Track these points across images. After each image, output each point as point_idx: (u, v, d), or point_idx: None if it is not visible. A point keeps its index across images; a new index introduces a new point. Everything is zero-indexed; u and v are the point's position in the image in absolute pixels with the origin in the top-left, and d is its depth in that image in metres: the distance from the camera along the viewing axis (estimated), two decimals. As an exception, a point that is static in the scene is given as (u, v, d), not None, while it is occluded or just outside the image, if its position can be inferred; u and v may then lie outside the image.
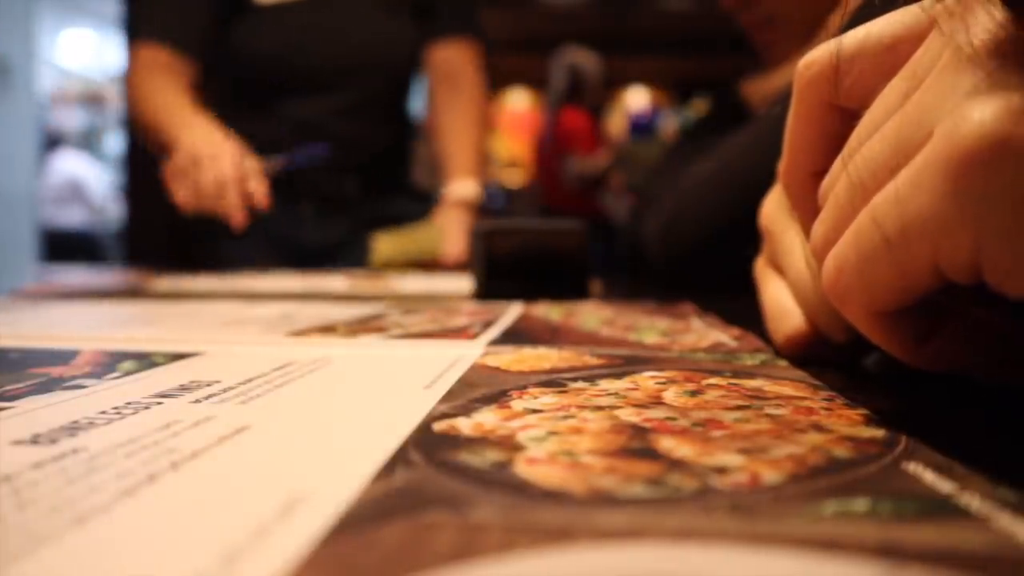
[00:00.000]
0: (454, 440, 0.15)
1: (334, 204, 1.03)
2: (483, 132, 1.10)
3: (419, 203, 1.07)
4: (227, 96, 1.02)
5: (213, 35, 0.97)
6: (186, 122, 0.88)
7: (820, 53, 0.18)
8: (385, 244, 0.95)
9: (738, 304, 0.37)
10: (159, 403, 0.18)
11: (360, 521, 0.11)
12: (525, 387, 0.21)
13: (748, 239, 0.33)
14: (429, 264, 0.94)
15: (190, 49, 0.96)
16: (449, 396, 0.19)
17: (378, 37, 1.04)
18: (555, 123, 2.57)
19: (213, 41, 0.98)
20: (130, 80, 0.97)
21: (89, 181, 3.63)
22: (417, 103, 1.18)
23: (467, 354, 0.27)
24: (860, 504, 0.12)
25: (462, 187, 1.03)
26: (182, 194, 0.82)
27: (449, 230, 0.97)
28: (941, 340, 0.17)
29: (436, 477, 0.13)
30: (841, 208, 0.16)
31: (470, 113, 1.07)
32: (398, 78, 1.09)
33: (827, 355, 0.24)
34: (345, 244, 1.02)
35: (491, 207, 1.07)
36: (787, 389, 0.20)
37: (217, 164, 0.81)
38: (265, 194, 0.83)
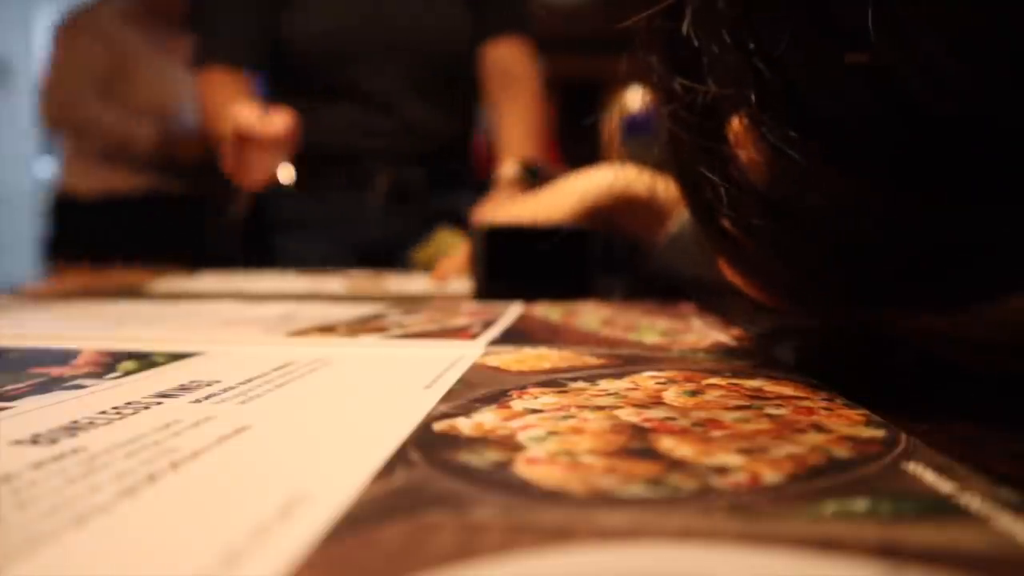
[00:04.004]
0: (454, 440, 0.15)
1: (399, 197, 1.03)
2: (539, 127, 1.10)
3: (483, 196, 1.07)
4: (289, 89, 1.05)
5: (266, 35, 1.02)
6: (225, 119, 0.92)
7: None
8: (428, 250, 0.94)
9: (738, 304, 0.37)
10: (159, 403, 0.18)
11: (360, 521, 0.11)
12: (525, 387, 0.21)
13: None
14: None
15: (251, 63, 1.02)
16: (449, 396, 0.19)
17: (428, 17, 1.05)
18: None
19: (268, 41, 1.02)
20: (203, 109, 1.04)
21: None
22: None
23: (467, 354, 0.27)
24: (860, 504, 0.12)
25: (508, 167, 1.02)
26: (241, 175, 0.88)
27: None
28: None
29: (436, 477, 0.13)
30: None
31: (527, 111, 1.08)
32: (453, 62, 1.09)
33: None
34: (410, 239, 1.01)
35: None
36: (787, 389, 0.20)
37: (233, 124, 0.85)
38: (288, 123, 0.85)
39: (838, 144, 0.17)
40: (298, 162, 0.97)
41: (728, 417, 0.17)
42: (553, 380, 0.22)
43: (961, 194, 0.16)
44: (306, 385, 0.21)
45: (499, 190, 1.01)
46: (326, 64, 1.03)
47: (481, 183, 1.13)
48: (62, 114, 1.55)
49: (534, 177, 0.94)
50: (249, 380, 0.22)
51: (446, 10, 1.07)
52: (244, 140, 0.84)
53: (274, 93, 1.05)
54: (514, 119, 1.07)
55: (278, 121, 0.84)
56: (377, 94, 1.03)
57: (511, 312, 0.42)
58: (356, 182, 1.02)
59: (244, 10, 1.01)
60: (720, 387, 0.21)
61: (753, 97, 0.18)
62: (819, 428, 0.16)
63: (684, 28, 0.19)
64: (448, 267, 0.72)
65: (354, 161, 1.02)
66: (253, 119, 0.83)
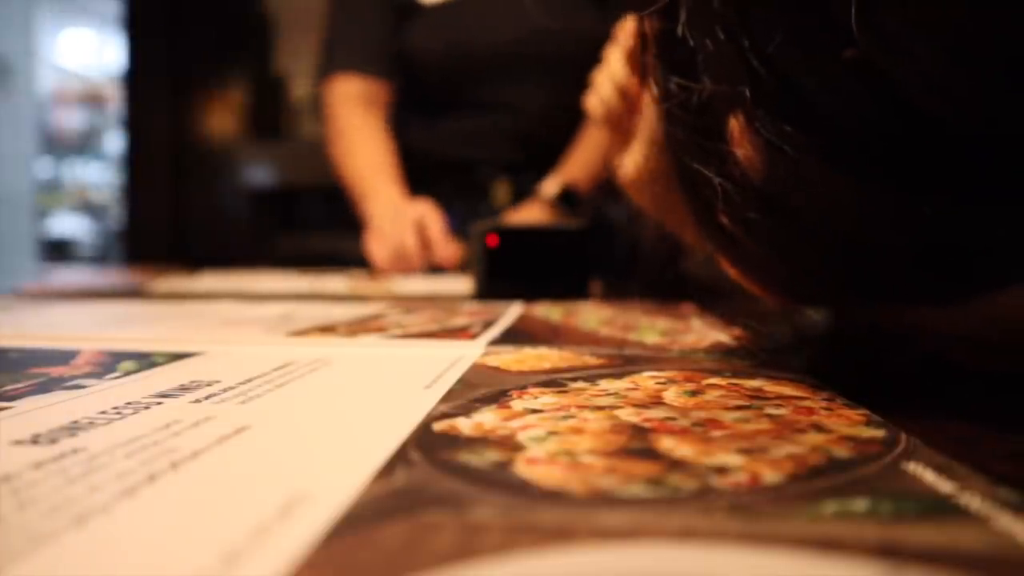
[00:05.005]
0: (454, 440, 0.15)
1: (567, 200, 0.98)
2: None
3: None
4: (412, 99, 1.02)
5: (393, 45, 0.99)
6: (373, 192, 0.92)
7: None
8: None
9: (738, 304, 0.37)
10: (159, 403, 0.18)
11: (360, 521, 0.11)
12: (525, 387, 0.21)
13: None
14: None
15: (381, 70, 0.99)
16: (449, 396, 0.19)
17: (552, 26, 1.01)
18: None
19: (395, 50, 0.99)
20: (329, 116, 1.00)
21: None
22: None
23: (467, 354, 0.27)
24: (860, 504, 0.12)
25: (551, 185, 0.98)
26: (379, 258, 0.87)
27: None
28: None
29: (436, 477, 0.13)
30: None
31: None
32: (580, 64, 1.04)
33: None
34: None
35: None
36: (787, 389, 0.20)
37: (396, 236, 0.85)
38: (450, 253, 0.85)
39: (832, 140, 0.17)
40: (413, 170, 0.96)
41: (728, 417, 0.17)
42: (553, 380, 0.22)
43: (955, 194, 0.16)
44: (306, 385, 0.21)
45: (533, 204, 0.98)
46: (450, 77, 0.98)
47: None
48: None
49: (569, 204, 0.92)
50: (249, 380, 0.22)
51: (573, 12, 1.00)
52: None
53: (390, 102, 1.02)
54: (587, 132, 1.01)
55: (450, 251, 0.83)
56: (501, 106, 0.99)
57: (511, 312, 0.42)
58: (471, 190, 0.98)
59: (375, 17, 0.98)
60: (720, 387, 0.21)
61: (747, 93, 0.18)
62: (819, 428, 0.16)
63: (679, 26, 0.19)
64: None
65: (470, 169, 0.99)
66: (431, 244, 0.82)
